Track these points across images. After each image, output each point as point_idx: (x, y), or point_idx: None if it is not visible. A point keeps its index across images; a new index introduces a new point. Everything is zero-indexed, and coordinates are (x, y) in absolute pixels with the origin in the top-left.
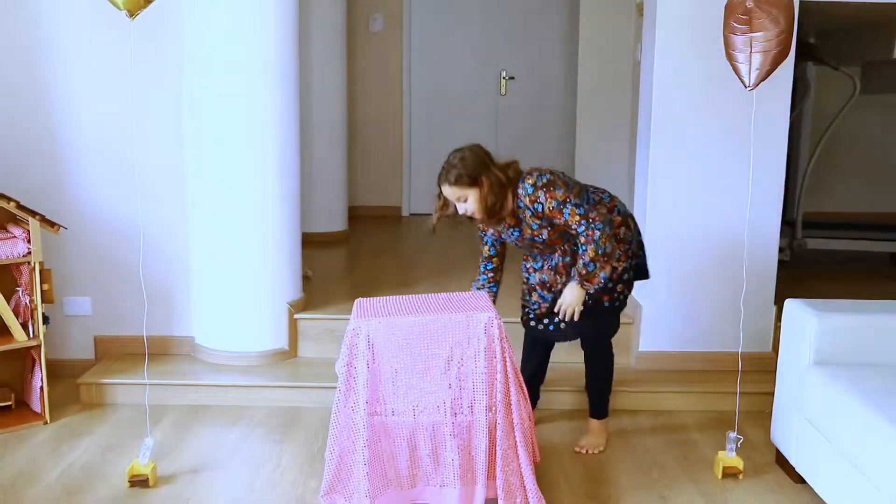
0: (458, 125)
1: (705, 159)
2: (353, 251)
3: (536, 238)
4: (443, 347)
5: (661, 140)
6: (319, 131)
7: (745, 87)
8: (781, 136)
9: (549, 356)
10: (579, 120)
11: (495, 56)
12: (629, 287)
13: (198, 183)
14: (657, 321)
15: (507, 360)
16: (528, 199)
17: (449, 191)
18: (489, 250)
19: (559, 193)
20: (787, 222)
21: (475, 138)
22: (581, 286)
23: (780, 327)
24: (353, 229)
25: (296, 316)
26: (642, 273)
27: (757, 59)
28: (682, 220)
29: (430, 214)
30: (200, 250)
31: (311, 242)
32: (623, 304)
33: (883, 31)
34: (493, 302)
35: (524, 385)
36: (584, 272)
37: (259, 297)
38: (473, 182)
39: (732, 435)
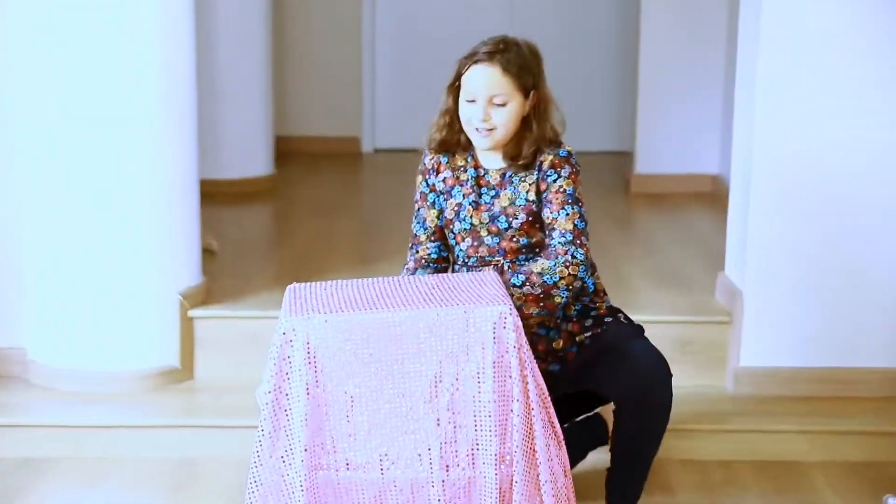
0: (449, 11)
1: (848, 73)
2: (284, 209)
3: (506, 220)
4: (427, 361)
5: (778, 27)
6: (228, 25)
7: None
8: None
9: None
10: (644, 4)
11: None
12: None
13: (27, 112)
14: (769, 321)
15: (530, 380)
16: (553, 158)
17: (491, 77)
18: (438, 218)
19: (579, 188)
20: None
21: (477, 34)
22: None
23: None
24: (285, 174)
25: (191, 313)
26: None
27: None
28: (809, 168)
29: (405, 150)
30: (35, 215)
31: (217, 195)
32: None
33: None
34: None
35: (556, 421)
36: (536, 280)
37: (131, 286)
38: (528, 87)
39: (893, 501)
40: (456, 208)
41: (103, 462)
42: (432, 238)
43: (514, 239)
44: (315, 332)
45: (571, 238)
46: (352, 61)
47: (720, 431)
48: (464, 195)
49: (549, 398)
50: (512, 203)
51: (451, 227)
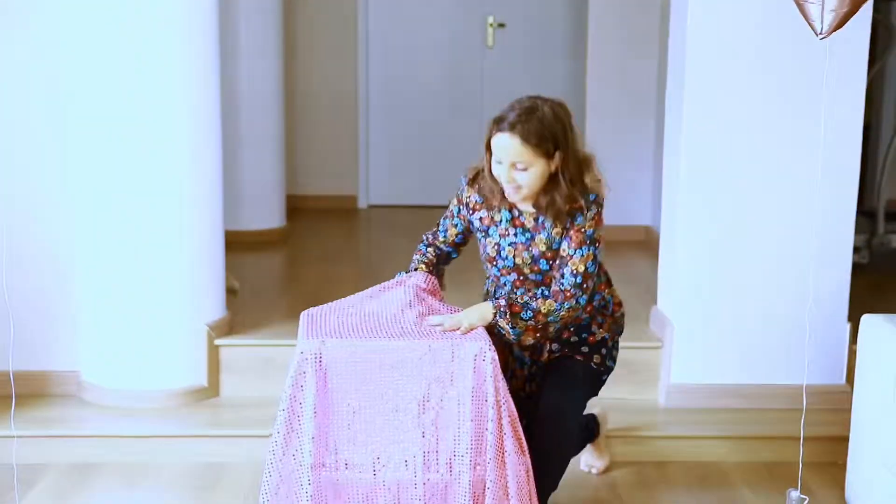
0: (431, 89)
1: (758, 129)
2: (293, 255)
3: (546, 262)
4: (418, 384)
5: (699, 105)
6: (248, 100)
7: (816, 34)
8: (857, 101)
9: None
10: (590, 79)
11: None
12: (606, 371)
13: (84, 172)
14: (694, 344)
15: (503, 404)
16: (578, 205)
17: (510, 145)
18: (455, 235)
19: (599, 231)
20: (865, 213)
21: (454, 104)
22: (496, 314)
23: (856, 351)
24: (295, 226)
25: (217, 342)
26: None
27: None
28: (727, 209)
29: (395, 206)
30: (87, 258)
31: (238, 244)
32: (598, 383)
33: None
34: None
35: (523, 438)
36: (516, 308)
37: (167, 318)
38: (550, 151)
39: (794, 494)
40: (496, 248)
41: (142, 467)
42: (446, 244)
43: (546, 276)
44: (328, 353)
45: (580, 282)
46: (350, 129)
47: (655, 437)
48: (500, 235)
49: (518, 419)
50: (549, 248)
51: (495, 262)
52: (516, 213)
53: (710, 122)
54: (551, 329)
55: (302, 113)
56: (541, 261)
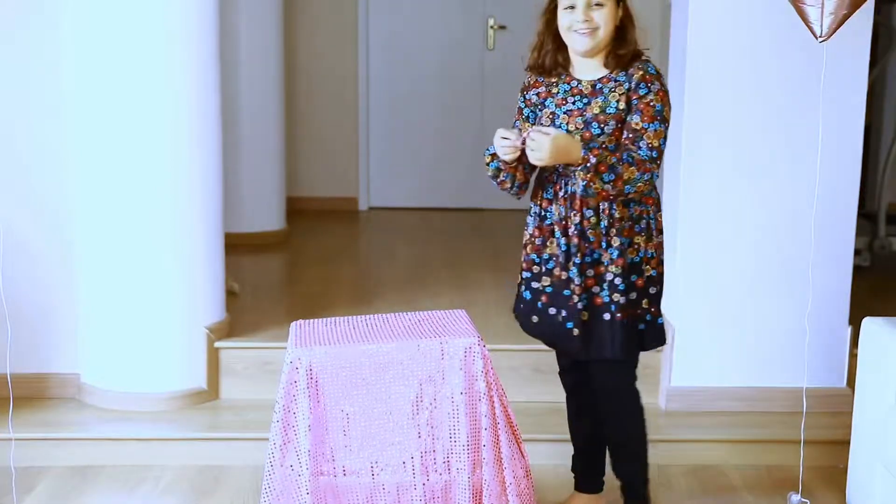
0: (432, 91)
1: (757, 133)
2: (293, 257)
3: (599, 126)
4: (409, 384)
5: (698, 106)
6: (248, 101)
7: (816, 37)
8: (858, 103)
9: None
10: None
11: None
12: (658, 309)
13: (83, 174)
14: (694, 347)
15: (496, 400)
16: (641, 75)
17: None
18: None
19: (667, 108)
20: (866, 216)
21: (455, 107)
22: (582, 159)
23: (857, 354)
24: (295, 228)
25: (217, 344)
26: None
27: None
28: (727, 212)
29: (395, 209)
30: (87, 260)
31: (238, 246)
32: (650, 332)
33: None
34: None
35: (519, 433)
36: (602, 168)
37: (167, 320)
38: None
39: (796, 498)
40: (551, 116)
41: (141, 470)
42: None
43: (605, 145)
44: (317, 361)
45: (656, 156)
46: (350, 132)
47: (656, 441)
48: (556, 105)
49: (512, 414)
50: (603, 111)
51: (535, 127)
52: (574, 84)
53: (709, 125)
54: (625, 193)
55: (302, 115)
56: (593, 124)
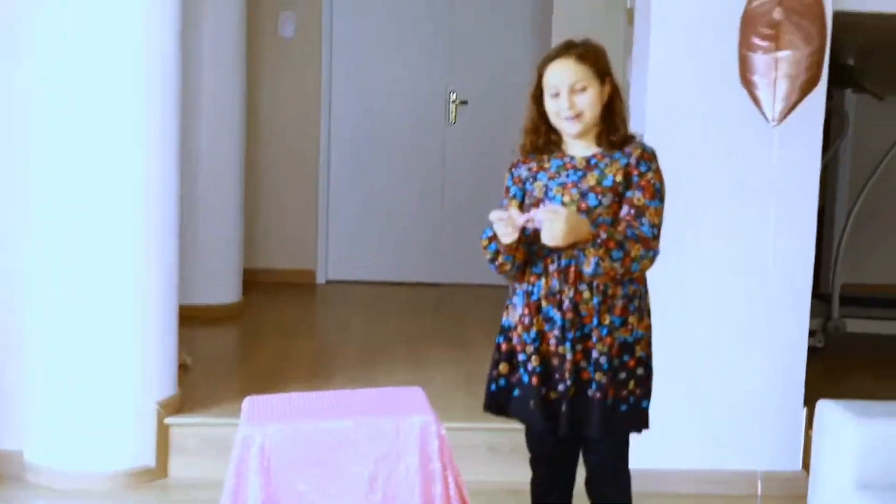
0: (393, 163)
1: (712, 214)
2: (249, 330)
3: (596, 198)
4: (364, 463)
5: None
6: (208, 170)
7: (768, 121)
8: (811, 186)
9: (573, 480)
10: None
11: (443, 73)
12: (644, 392)
13: (36, 238)
14: (650, 429)
15: (451, 479)
16: (640, 153)
17: (567, 68)
18: (517, 208)
19: (664, 187)
20: (820, 297)
21: (417, 178)
22: (591, 236)
23: (811, 437)
24: (251, 301)
25: (167, 420)
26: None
27: (783, 85)
28: (680, 294)
29: (354, 282)
30: (34, 329)
31: (192, 318)
32: (633, 415)
33: None
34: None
35: None
36: (611, 245)
37: (116, 395)
38: (602, 75)
39: None
40: (544, 188)
41: None
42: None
43: (600, 218)
44: (270, 438)
45: (657, 234)
46: (310, 203)
47: None
48: (549, 178)
49: (466, 494)
50: (599, 183)
51: (542, 206)
52: (567, 160)
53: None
54: (622, 277)
55: (262, 185)
56: (589, 195)
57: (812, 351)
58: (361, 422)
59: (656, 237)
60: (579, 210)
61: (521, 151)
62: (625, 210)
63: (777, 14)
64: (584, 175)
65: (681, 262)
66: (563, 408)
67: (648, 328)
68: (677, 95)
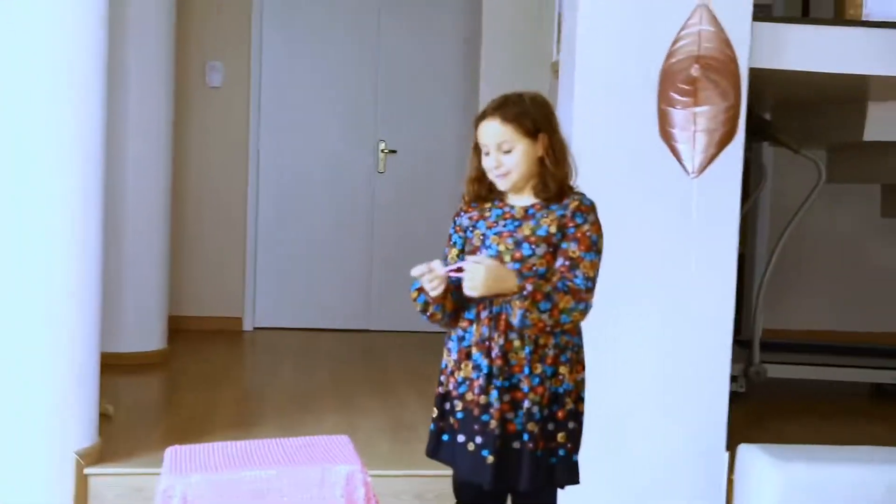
0: (322, 211)
1: (637, 264)
2: (173, 379)
3: (530, 247)
4: None
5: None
6: (133, 215)
7: (688, 173)
8: (731, 234)
9: None
10: None
11: (372, 122)
12: (574, 445)
13: None
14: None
15: None
16: (577, 205)
17: (493, 129)
18: (457, 256)
19: (601, 240)
20: (741, 343)
21: (345, 225)
22: (518, 289)
23: (733, 480)
24: (177, 348)
25: (87, 471)
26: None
27: (701, 139)
28: (606, 344)
29: (281, 329)
30: None
31: (114, 366)
32: (562, 468)
33: (852, 107)
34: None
35: None
36: (538, 297)
37: (34, 444)
38: (532, 131)
39: None
40: (481, 237)
41: None
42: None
43: (534, 268)
44: (192, 488)
45: (591, 287)
46: (237, 249)
47: None
48: (487, 227)
49: None
50: (534, 232)
51: (478, 254)
52: (507, 209)
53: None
54: (554, 327)
55: (189, 231)
56: (524, 244)
57: (734, 396)
58: (285, 471)
59: (590, 290)
60: (513, 259)
61: (463, 200)
62: (559, 262)
63: (694, 71)
64: (521, 224)
65: (607, 314)
66: (490, 459)
67: (581, 381)
68: (600, 148)
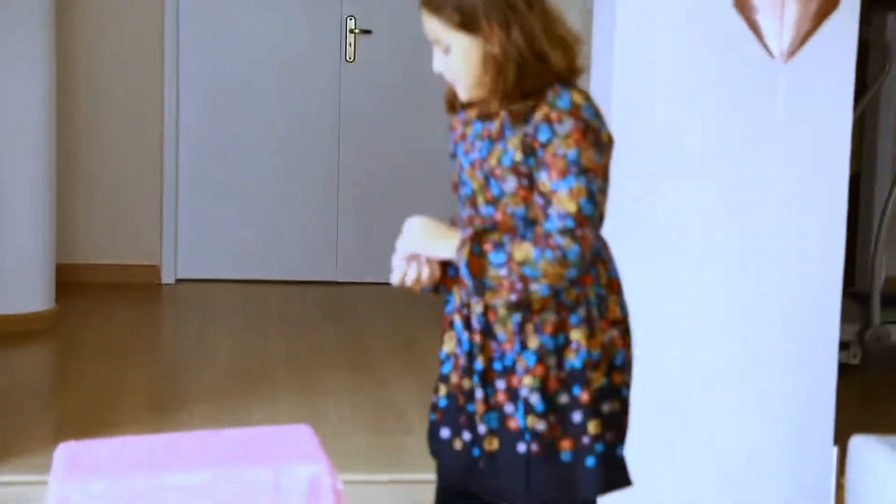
0: (266, 120)
1: (703, 193)
2: (65, 349)
3: (493, 181)
4: None
5: (627, 152)
6: (3, 133)
7: (772, 56)
8: (839, 147)
9: None
10: None
11: None
12: (617, 434)
13: None
14: (656, 474)
15: None
16: (548, 108)
17: (426, 22)
18: None
19: (590, 155)
20: (855, 298)
21: (300, 137)
22: (460, 246)
23: (844, 484)
24: (69, 308)
25: None
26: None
27: (793, 8)
28: (666, 297)
29: (214, 281)
30: None
31: None
32: (603, 469)
33: None
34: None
35: None
36: (487, 246)
37: None
38: (467, 23)
39: None
40: (458, 171)
41: None
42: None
43: (509, 209)
44: (93, 499)
45: (571, 227)
46: (150, 175)
47: None
48: (465, 152)
49: None
50: (499, 161)
51: (459, 192)
52: (486, 123)
53: (639, 176)
54: (536, 295)
55: (81, 151)
56: (491, 181)
57: (845, 369)
58: (224, 473)
59: (568, 230)
60: (486, 201)
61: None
62: (536, 201)
63: None
64: (491, 148)
65: (666, 262)
66: (482, 464)
67: (610, 345)
68: (655, 23)
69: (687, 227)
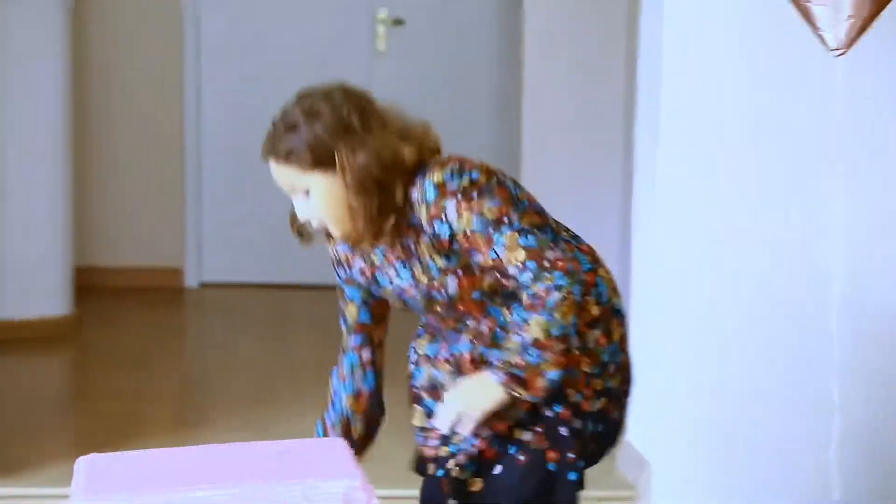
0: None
1: (758, 184)
2: (83, 359)
3: (435, 293)
4: None
5: (677, 135)
6: (14, 128)
7: (828, 48)
8: None
9: None
10: (527, 102)
11: None
12: (592, 454)
13: None
14: (679, 491)
15: None
16: (426, 209)
17: (276, 174)
18: (357, 312)
19: (489, 206)
20: None
21: None
22: (504, 386)
23: None
24: (86, 314)
25: None
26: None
27: None
28: (718, 278)
29: (239, 285)
30: None
31: (1, 341)
32: (578, 480)
33: None
34: (369, 433)
35: None
36: (517, 362)
37: None
38: (321, 161)
39: None
40: (399, 294)
41: None
42: (357, 334)
43: (465, 300)
44: None
45: (536, 267)
46: (173, 177)
47: None
48: (390, 281)
49: None
50: (430, 278)
51: (411, 310)
52: (385, 248)
53: (693, 174)
54: (569, 337)
55: (99, 148)
56: (433, 293)
57: None
58: (253, 489)
59: (538, 270)
60: (442, 307)
61: (326, 236)
62: (486, 280)
63: None
64: (412, 268)
65: (721, 252)
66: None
67: (595, 347)
68: (706, 7)
69: (735, 223)
